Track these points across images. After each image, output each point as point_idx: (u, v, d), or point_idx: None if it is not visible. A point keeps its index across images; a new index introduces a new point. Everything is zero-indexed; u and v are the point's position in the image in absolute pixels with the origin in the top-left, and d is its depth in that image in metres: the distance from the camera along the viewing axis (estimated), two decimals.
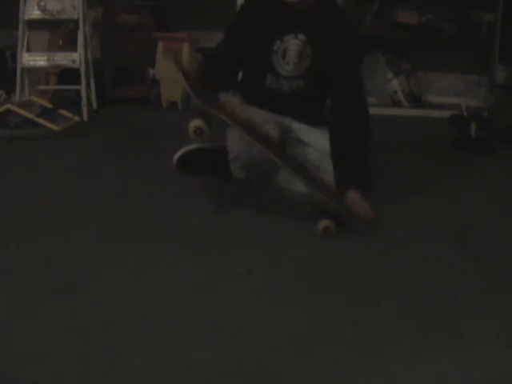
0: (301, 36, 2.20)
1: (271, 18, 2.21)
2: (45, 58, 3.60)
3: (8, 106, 3.29)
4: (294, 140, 2.34)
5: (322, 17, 2.19)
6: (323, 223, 1.93)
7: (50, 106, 3.47)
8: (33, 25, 3.64)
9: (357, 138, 2.14)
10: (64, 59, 3.58)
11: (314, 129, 2.32)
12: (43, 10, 3.57)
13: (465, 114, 3.41)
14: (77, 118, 3.40)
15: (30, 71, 3.65)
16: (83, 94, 3.52)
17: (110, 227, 2.01)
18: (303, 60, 2.22)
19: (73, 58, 3.56)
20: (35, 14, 3.58)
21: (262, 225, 2.02)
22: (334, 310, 1.53)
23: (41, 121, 3.22)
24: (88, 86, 3.68)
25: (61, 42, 3.91)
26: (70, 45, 3.76)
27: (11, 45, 3.94)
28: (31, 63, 3.58)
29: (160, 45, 3.98)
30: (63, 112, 3.43)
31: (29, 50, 3.63)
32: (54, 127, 3.20)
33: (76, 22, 3.58)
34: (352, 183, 2.04)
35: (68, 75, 3.85)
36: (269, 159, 2.21)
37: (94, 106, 3.75)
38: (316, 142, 2.29)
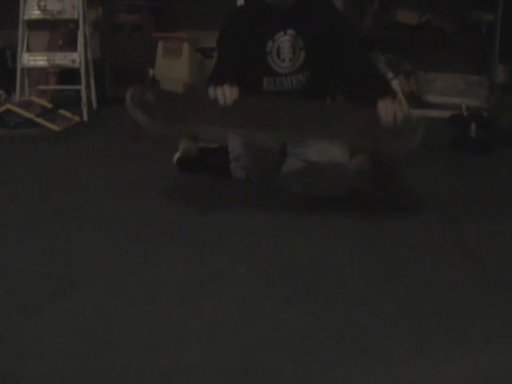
0: (290, 31, 2.22)
1: (258, 23, 2.23)
2: (45, 58, 3.60)
3: (8, 105, 3.29)
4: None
5: (305, 7, 2.22)
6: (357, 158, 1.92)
7: (49, 106, 3.47)
8: (33, 25, 3.65)
9: (369, 72, 2.19)
10: (64, 59, 3.59)
11: None
12: (43, 10, 3.57)
13: (465, 114, 3.41)
14: (77, 118, 3.41)
15: (30, 71, 3.65)
16: (83, 94, 3.52)
17: (110, 227, 2.01)
18: (297, 53, 2.24)
19: (73, 58, 3.56)
20: (35, 13, 3.58)
21: (262, 225, 2.02)
22: (334, 310, 1.53)
23: (41, 121, 3.23)
24: (88, 86, 3.68)
25: (61, 42, 3.91)
26: (70, 45, 3.76)
27: (11, 45, 3.94)
28: (31, 63, 3.58)
29: (160, 45, 3.99)
30: (63, 112, 3.43)
31: (29, 49, 3.63)
32: (54, 127, 3.21)
33: (76, 22, 3.58)
34: (381, 95, 2.03)
35: (68, 75, 3.85)
36: (269, 159, 2.22)
37: (94, 106, 3.75)
38: (317, 142, 2.28)
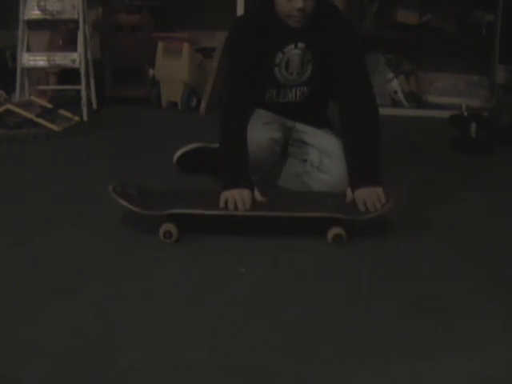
0: (300, 44, 2.16)
1: (267, 34, 2.14)
2: (45, 58, 3.60)
3: (8, 105, 3.29)
4: (296, 141, 2.34)
5: (318, 22, 2.14)
6: (333, 231, 1.91)
7: (49, 106, 3.48)
8: (33, 25, 3.65)
9: (368, 134, 2.08)
10: (64, 59, 3.59)
11: (316, 130, 2.33)
12: (43, 9, 3.58)
13: (465, 114, 3.41)
14: (77, 118, 3.41)
15: (30, 71, 3.66)
16: (83, 94, 3.53)
17: (110, 227, 2.01)
18: (305, 66, 2.20)
19: (73, 58, 3.57)
20: (35, 13, 3.58)
21: (261, 224, 2.02)
22: (334, 310, 1.53)
23: (41, 121, 3.23)
24: (88, 86, 3.68)
25: (61, 42, 3.92)
26: (70, 45, 3.77)
27: (11, 45, 3.95)
28: (31, 63, 3.59)
29: (160, 45, 3.99)
30: (63, 112, 3.44)
31: (29, 50, 3.63)
32: (54, 127, 3.21)
33: (76, 21, 3.59)
34: (362, 181, 2.01)
35: (68, 75, 3.85)
36: (270, 159, 2.23)
37: (94, 106, 3.76)
38: (317, 142, 2.29)
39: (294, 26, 2.12)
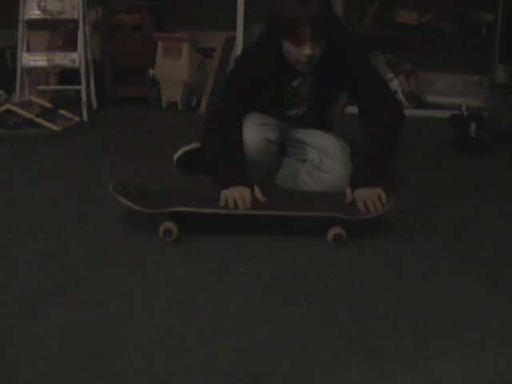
0: (309, 77, 2.15)
1: (276, 66, 2.10)
2: (45, 58, 3.60)
3: (8, 105, 3.29)
4: (295, 141, 2.34)
5: (328, 55, 2.07)
6: (333, 231, 1.91)
7: (49, 106, 3.48)
8: (33, 25, 3.65)
9: (379, 135, 2.08)
10: (64, 59, 3.59)
11: (315, 130, 2.33)
12: (43, 10, 3.58)
13: (465, 114, 3.41)
14: (77, 118, 3.41)
15: (30, 71, 3.66)
16: (83, 94, 3.53)
17: (110, 227, 2.01)
18: (312, 91, 2.20)
19: (73, 58, 3.57)
20: (35, 13, 3.58)
21: (261, 224, 2.02)
22: (334, 310, 1.53)
23: (41, 121, 3.23)
24: (88, 86, 3.68)
25: (61, 42, 3.92)
26: (70, 45, 3.77)
27: (11, 45, 3.95)
28: (31, 63, 3.59)
29: (160, 45, 4.00)
30: (63, 112, 3.44)
31: (29, 50, 3.64)
32: (54, 127, 3.21)
33: (76, 21, 3.59)
34: (361, 180, 2.00)
35: (68, 75, 3.86)
36: (266, 160, 2.23)
37: (94, 106, 3.76)
38: (316, 142, 2.29)
39: (302, 71, 2.10)
